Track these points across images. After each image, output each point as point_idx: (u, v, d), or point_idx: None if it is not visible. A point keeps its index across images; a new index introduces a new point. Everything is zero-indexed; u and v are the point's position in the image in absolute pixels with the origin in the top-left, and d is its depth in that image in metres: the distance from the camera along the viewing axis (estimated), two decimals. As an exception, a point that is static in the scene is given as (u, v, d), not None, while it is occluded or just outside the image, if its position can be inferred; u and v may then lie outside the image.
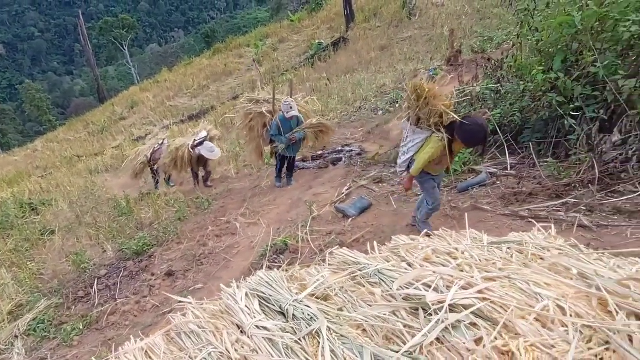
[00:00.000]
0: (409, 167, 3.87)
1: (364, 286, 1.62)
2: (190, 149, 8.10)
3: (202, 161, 8.33)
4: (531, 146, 4.92)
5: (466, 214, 2.94)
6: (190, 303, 1.60)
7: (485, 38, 11.51)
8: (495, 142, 5.34)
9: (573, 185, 4.25)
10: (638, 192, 3.80)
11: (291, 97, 7.11)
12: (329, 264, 1.94)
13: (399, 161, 4.02)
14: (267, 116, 7.22)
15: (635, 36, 4.27)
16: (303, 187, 6.78)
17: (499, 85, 5.66)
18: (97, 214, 8.28)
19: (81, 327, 4.56)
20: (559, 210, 3.97)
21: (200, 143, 8.09)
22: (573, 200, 4.04)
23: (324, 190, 6.25)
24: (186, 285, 4.97)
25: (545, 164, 4.64)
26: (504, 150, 5.16)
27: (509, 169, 4.99)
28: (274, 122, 6.80)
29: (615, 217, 3.65)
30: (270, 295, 1.51)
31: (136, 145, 12.56)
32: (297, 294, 1.58)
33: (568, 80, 4.58)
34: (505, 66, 5.71)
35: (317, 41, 19.32)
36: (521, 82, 5.16)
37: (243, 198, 7.30)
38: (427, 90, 3.46)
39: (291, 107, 6.65)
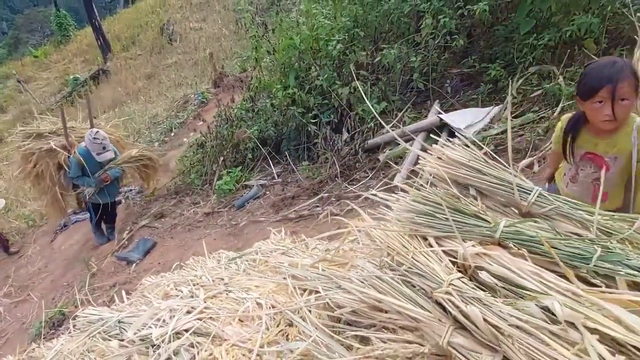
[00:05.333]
0: None
1: (106, 341, 1.64)
2: None
3: None
4: (288, 154, 5.58)
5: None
6: None
7: (245, 58, 12.32)
8: (261, 156, 5.86)
9: (325, 181, 5.01)
10: (368, 176, 4.73)
11: (94, 127, 5.30)
12: (77, 329, 1.88)
13: None
14: (61, 152, 5.48)
15: (342, 53, 5.28)
16: (79, 242, 6.11)
17: (252, 104, 6.20)
18: None
19: None
20: (317, 206, 4.63)
21: None
22: (326, 194, 4.76)
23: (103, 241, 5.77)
24: None
25: (302, 167, 5.32)
26: (269, 162, 5.72)
27: (276, 177, 5.55)
28: (73, 160, 4.98)
29: (356, 202, 4.47)
30: (-6, 390, 1.40)
31: None
32: (29, 376, 1.50)
33: (303, 94, 5.36)
34: (252, 86, 6.29)
35: (72, 76, 17.40)
36: (268, 100, 5.79)
37: (5, 274, 6.18)
38: None
39: (104, 147, 4.87)
